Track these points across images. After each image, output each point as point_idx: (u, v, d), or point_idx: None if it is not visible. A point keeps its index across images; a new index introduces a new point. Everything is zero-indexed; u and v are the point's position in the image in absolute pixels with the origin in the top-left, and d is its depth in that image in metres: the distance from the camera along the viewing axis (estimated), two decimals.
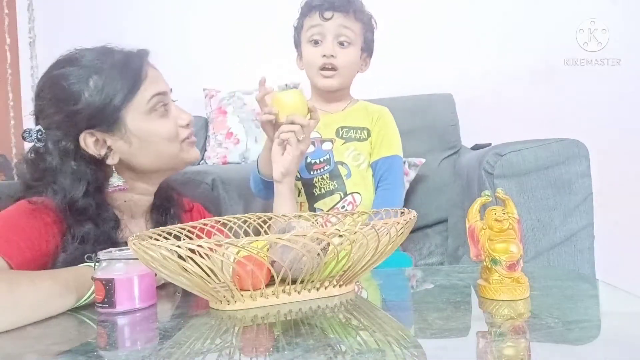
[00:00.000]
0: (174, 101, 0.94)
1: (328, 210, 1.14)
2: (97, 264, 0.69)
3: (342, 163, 1.18)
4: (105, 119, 0.83)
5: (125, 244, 0.85)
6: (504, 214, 0.66)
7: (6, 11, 2.34)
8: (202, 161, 2.02)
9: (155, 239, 0.65)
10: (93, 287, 0.68)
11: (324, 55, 1.15)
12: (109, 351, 0.54)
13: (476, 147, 1.63)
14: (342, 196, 1.16)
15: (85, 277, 0.70)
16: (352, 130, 1.20)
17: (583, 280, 0.81)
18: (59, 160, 0.83)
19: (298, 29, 1.22)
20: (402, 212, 0.73)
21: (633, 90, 1.93)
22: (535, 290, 0.67)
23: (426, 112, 1.70)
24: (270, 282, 0.65)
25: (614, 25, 1.93)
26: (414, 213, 0.70)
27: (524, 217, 1.06)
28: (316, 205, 1.17)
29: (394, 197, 1.17)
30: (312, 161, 1.18)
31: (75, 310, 0.69)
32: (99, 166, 0.86)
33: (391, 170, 1.18)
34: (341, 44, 1.16)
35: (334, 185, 1.16)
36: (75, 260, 0.77)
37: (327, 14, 1.15)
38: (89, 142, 0.84)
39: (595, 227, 1.16)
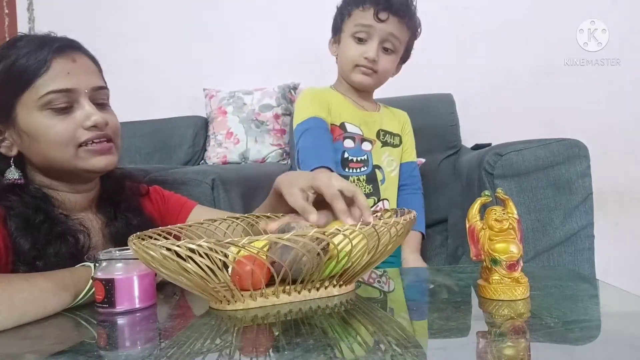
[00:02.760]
0: (102, 103, 0.84)
1: None
2: (96, 264, 0.69)
3: (379, 167, 1.14)
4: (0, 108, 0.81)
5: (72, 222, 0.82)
6: (504, 214, 0.66)
7: (6, 11, 2.34)
8: (202, 161, 2.02)
9: (155, 239, 0.65)
10: (89, 285, 0.68)
11: (366, 58, 1.09)
12: (109, 351, 0.54)
13: (476, 147, 1.63)
14: (376, 201, 1.12)
15: (81, 276, 0.69)
16: (388, 135, 1.17)
17: (583, 280, 0.81)
18: None
19: (343, 15, 1.14)
20: (402, 212, 0.73)
21: (633, 90, 1.93)
22: (535, 290, 0.66)
23: (426, 112, 1.70)
24: (270, 282, 0.65)
25: (614, 25, 1.93)
26: (414, 213, 0.70)
27: (524, 217, 1.06)
28: None
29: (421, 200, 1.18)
30: (350, 158, 1.13)
31: (74, 310, 0.68)
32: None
33: (414, 176, 1.18)
34: (385, 49, 1.11)
35: (370, 190, 1.12)
36: (25, 228, 0.75)
37: (383, 15, 1.07)
38: None
39: (595, 227, 1.16)
